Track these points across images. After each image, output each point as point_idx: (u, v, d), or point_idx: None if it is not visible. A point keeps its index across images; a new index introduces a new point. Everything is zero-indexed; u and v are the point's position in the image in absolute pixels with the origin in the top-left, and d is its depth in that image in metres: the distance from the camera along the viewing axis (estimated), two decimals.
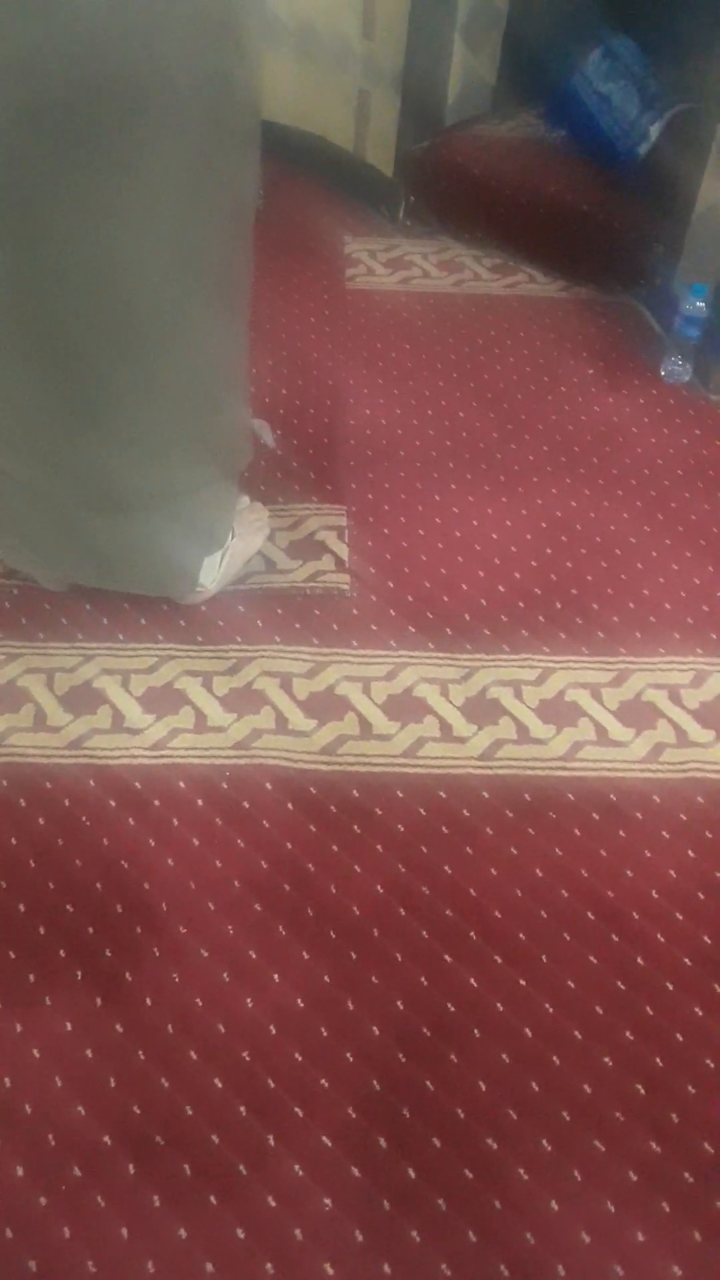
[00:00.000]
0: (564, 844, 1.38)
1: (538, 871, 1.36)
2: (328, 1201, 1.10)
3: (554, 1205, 1.10)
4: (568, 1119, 1.16)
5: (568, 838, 1.39)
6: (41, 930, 1.29)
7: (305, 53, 2.49)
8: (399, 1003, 1.24)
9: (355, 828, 1.39)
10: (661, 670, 1.58)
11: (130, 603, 1.64)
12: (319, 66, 2.49)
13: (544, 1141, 1.14)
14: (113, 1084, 1.17)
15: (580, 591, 1.69)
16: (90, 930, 1.29)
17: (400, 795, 1.42)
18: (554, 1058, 1.20)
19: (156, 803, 1.41)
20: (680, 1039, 1.22)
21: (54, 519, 1.49)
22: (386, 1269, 1.06)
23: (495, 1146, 1.14)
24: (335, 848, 1.37)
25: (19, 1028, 1.21)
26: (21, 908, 1.31)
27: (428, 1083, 1.18)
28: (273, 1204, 1.10)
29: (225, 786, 1.42)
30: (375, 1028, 1.22)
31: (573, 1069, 1.19)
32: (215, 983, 1.25)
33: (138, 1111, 1.15)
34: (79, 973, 1.26)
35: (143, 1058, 1.19)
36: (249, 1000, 1.24)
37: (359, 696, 1.53)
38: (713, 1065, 1.20)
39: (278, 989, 1.25)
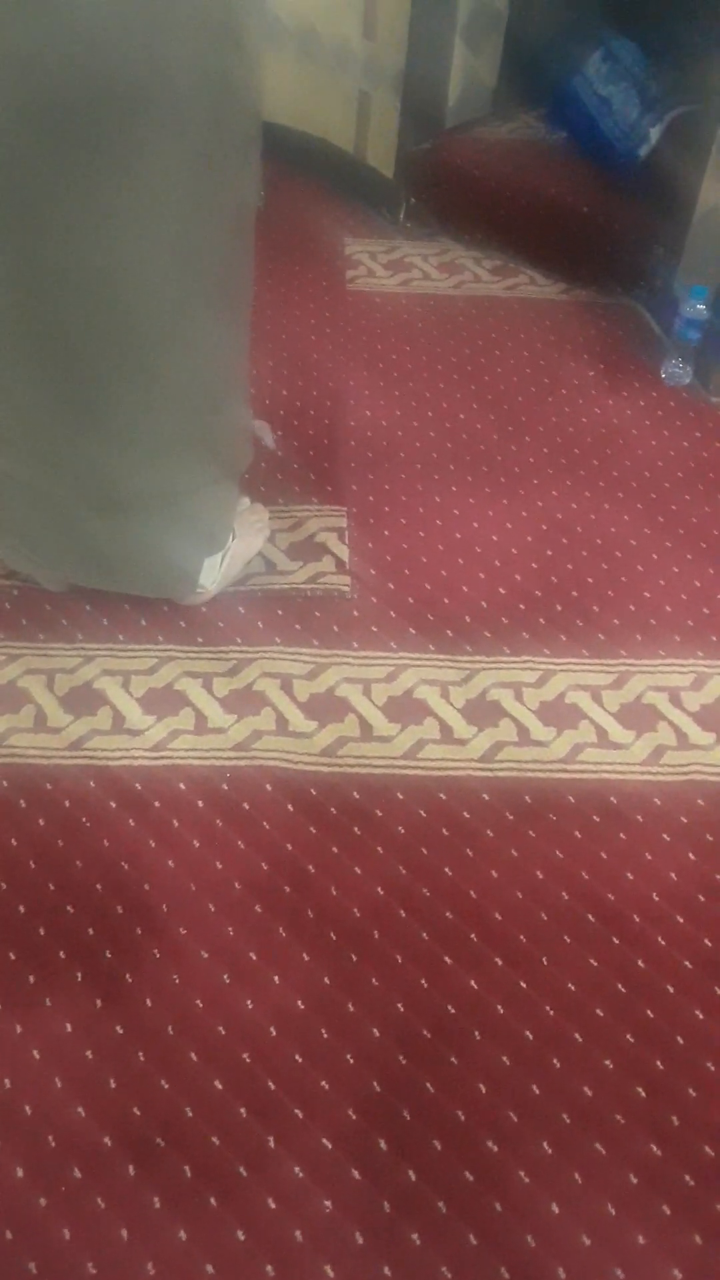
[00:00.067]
0: (564, 846, 1.38)
1: (538, 874, 1.36)
2: (328, 1203, 1.10)
3: (554, 1208, 1.10)
4: (568, 1121, 1.16)
5: (568, 840, 1.39)
6: (42, 931, 1.29)
7: (306, 54, 2.49)
8: (399, 1004, 1.24)
9: (355, 829, 1.39)
10: (662, 673, 1.58)
11: (130, 604, 1.63)
12: (320, 68, 2.49)
13: (544, 1144, 1.14)
14: (113, 1085, 1.17)
15: (581, 594, 1.70)
16: (90, 931, 1.29)
17: (400, 797, 1.42)
18: (554, 1060, 1.20)
19: (157, 804, 1.41)
20: (681, 1042, 1.22)
21: (54, 520, 1.49)
22: (387, 1271, 1.06)
23: (496, 1149, 1.14)
24: (335, 849, 1.37)
25: (19, 1029, 1.21)
26: (22, 909, 1.31)
27: (428, 1085, 1.18)
28: (273, 1206, 1.10)
29: (225, 788, 1.42)
30: (375, 1029, 1.22)
31: (573, 1071, 1.19)
32: (215, 984, 1.25)
33: (138, 1113, 1.15)
34: (79, 974, 1.25)
35: (143, 1059, 1.19)
36: (249, 1002, 1.24)
37: (359, 698, 1.53)
38: (713, 1068, 1.20)
39: (278, 990, 1.24)
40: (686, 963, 1.28)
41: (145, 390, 1.34)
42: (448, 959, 1.28)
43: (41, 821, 1.39)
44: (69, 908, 1.31)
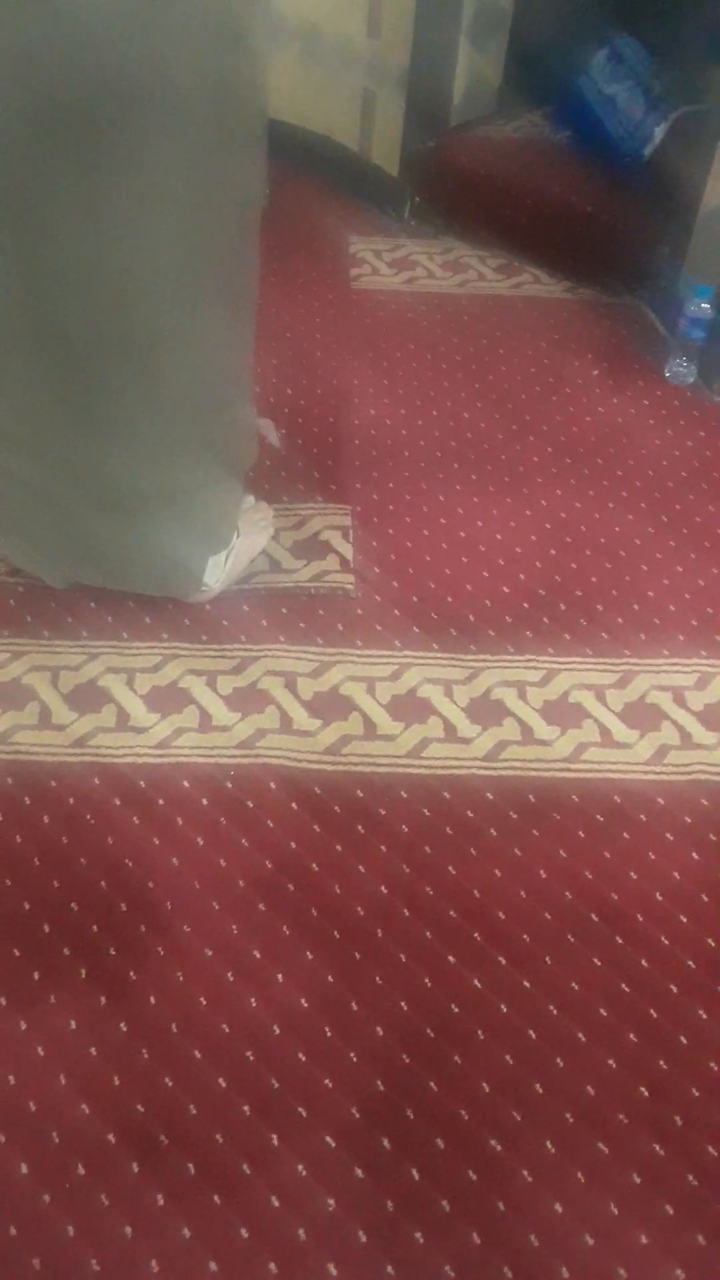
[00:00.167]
0: (568, 846, 1.38)
1: (541, 873, 1.36)
2: (331, 1202, 1.10)
3: (557, 1207, 1.10)
4: (571, 1121, 1.16)
5: (572, 839, 1.39)
6: (46, 928, 1.29)
7: (310, 52, 2.49)
8: (403, 1003, 1.24)
9: (359, 828, 1.39)
10: (666, 672, 1.58)
11: (135, 601, 1.63)
12: (324, 66, 2.49)
13: (547, 1143, 1.14)
14: (117, 1083, 1.17)
15: (584, 593, 1.70)
16: (94, 929, 1.29)
17: (404, 796, 1.42)
18: (557, 1059, 1.20)
19: (161, 801, 1.41)
20: (684, 1041, 1.22)
21: (58, 519, 1.49)
22: (389, 1270, 1.06)
23: (499, 1148, 1.14)
24: (339, 848, 1.37)
25: (23, 1026, 1.21)
26: (26, 906, 1.31)
27: (431, 1083, 1.18)
28: (276, 1204, 1.10)
29: (229, 786, 1.43)
30: (379, 1028, 1.22)
31: (576, 1071, 1.19)
32: (219, 982, 1.25)
33: (141, 1110, 1.15)
34: (83, 971, 1.26)
35: (147, 1056, 1.19)
36: (253, 1000, 1.24)
37: (363, 697, 1.53)
38: (716, 1068, 1.20)
39: (282, 989, 1.25)
40: (690, 962, 1.28)
41: (149, 389, 1.34)
42: (451, 958, 1.28)
43: (46, 819, 1.39)
44: (73, 905, 1.31)
